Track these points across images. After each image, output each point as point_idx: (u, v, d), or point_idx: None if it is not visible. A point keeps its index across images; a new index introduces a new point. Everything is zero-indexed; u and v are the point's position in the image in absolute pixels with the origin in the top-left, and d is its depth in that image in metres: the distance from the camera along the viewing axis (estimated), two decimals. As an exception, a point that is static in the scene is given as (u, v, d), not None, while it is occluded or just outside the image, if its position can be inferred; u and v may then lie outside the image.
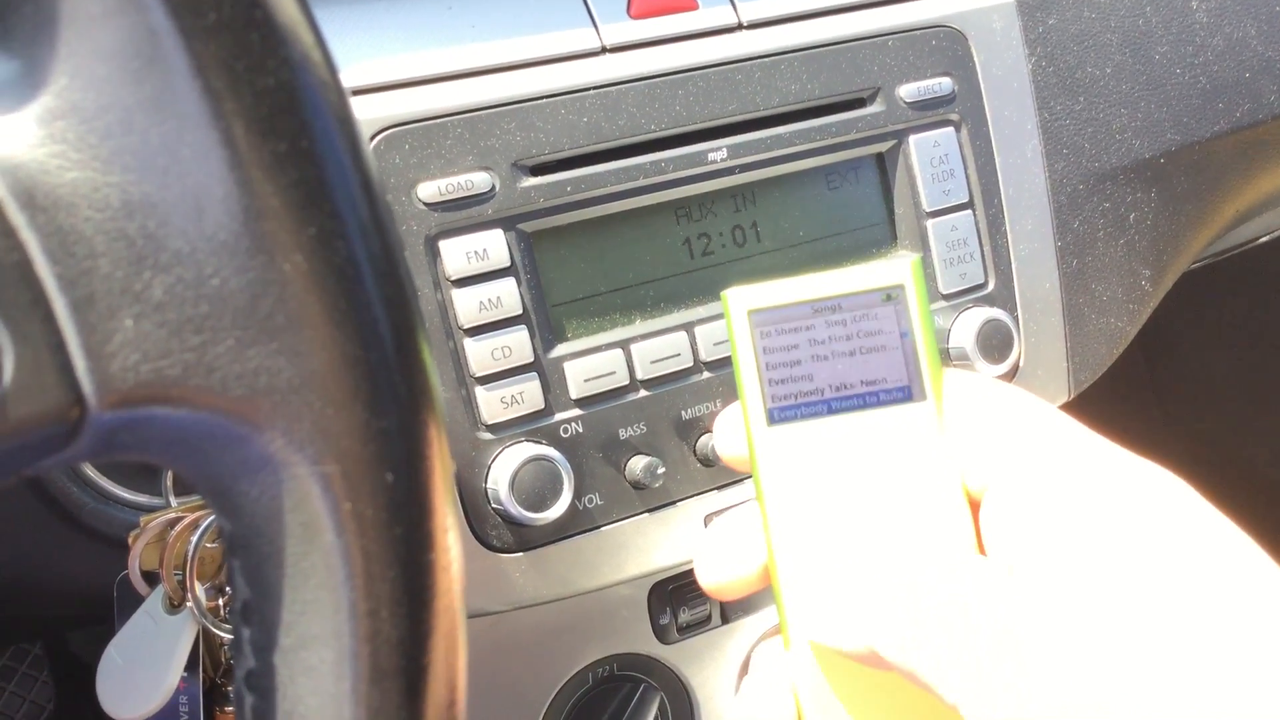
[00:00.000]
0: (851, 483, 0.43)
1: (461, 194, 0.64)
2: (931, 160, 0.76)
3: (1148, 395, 1.56)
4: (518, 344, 0.66)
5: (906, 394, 0.43)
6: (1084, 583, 0.37)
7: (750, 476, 0.44)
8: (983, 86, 0.78)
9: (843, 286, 0.43)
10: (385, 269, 0.33)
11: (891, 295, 0.43)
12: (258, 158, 0.31)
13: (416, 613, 0.35)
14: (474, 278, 0.65)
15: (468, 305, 0.65)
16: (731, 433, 0.45)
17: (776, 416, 0.43)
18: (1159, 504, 0.38)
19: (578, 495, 0.67)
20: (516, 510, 0.65)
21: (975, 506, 0.42)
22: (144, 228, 0.31)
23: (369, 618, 0.34)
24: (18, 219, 0.30)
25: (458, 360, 0.65)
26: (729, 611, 0.81)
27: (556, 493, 0.66)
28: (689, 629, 0.80)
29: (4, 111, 0.31)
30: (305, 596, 0.34)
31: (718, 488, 0.72)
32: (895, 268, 0.43)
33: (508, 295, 0.66)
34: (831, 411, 0.43)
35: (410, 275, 0.35)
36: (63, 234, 0.31)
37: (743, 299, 0.43)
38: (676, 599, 0.79)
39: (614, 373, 0.68)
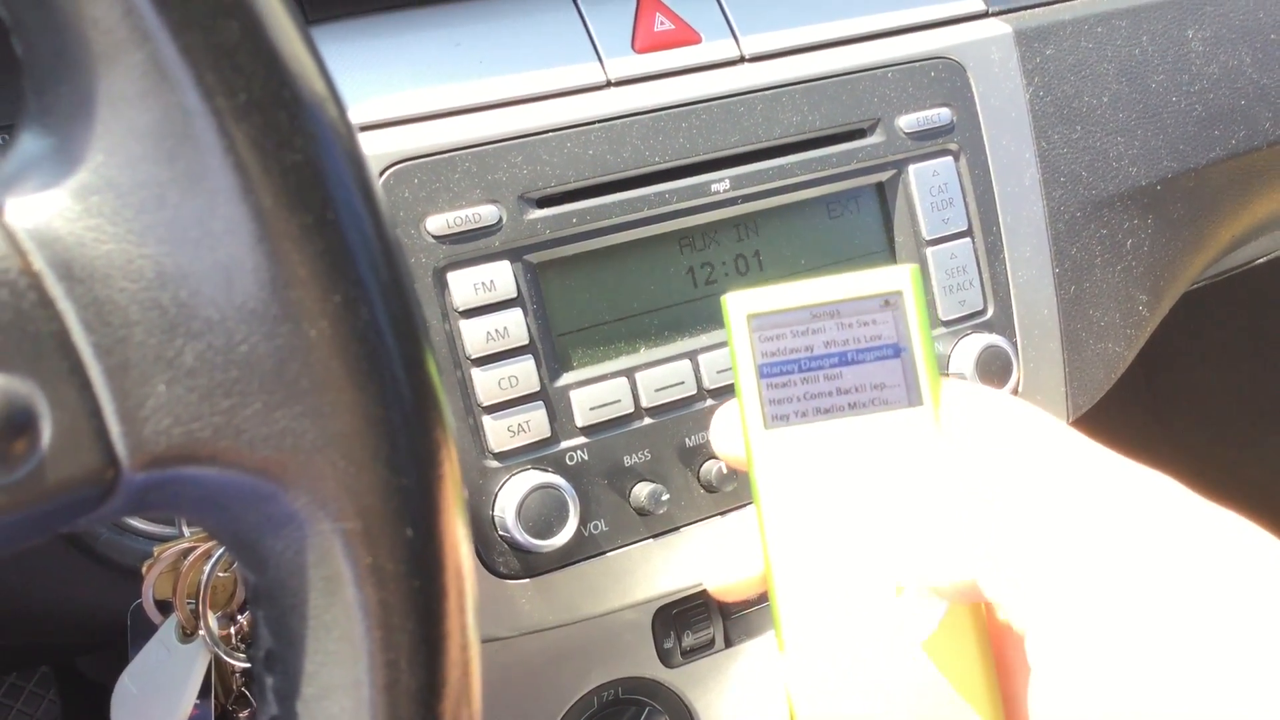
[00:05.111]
0: (848, 486, 0.43)
1: (469, 226, 0.65)
2: (931, 189, 0.77)
3: (1146, 411, 1.56)
4: (524, 373, 0.67)
5: (904, 398, 0.43)
6: (1086, 587, 0.38)
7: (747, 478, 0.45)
8: (981, 116, 0.79)
9: (842, 292, 0.43)
10: (405, 331, 0.35)
11: (890, 301, 0.43)
12: (286, 229, 0.32)
13: (433, 662, 0.36)
14: (481, 308, 0.66)
15: (475, 336, 0.66)
16: (729, 430, 0.46)
17: (774, 420, 0.44)
18: (1156, 506, 0.39)
19: (583, 522, 0.68)
20: (523, 537, 0.66)
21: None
22: (176, 297, 0.32)
23: (388, 668, 0.35)
24: (56, 290, 0.31)
25: (465, 390, 0.66)
26: (733, 635, 0.82)
27: (562, 520, 0.66)
28: (693, 652, 0.81)
29: (43, 186, 0.32)
30: (327, 647, 0.35)
31: (721, 513, 0.73)
32: (894, 274, 0.43)
33: (515, 325, 0.67)
34: (829, 415, 0.43)
35: (428, 335, 0.36)
36: (99, 304, 0.32)
37: (742, 303, 0.44)
38: (680, 623, 0.80)
39: (619, 401, 0.69)
